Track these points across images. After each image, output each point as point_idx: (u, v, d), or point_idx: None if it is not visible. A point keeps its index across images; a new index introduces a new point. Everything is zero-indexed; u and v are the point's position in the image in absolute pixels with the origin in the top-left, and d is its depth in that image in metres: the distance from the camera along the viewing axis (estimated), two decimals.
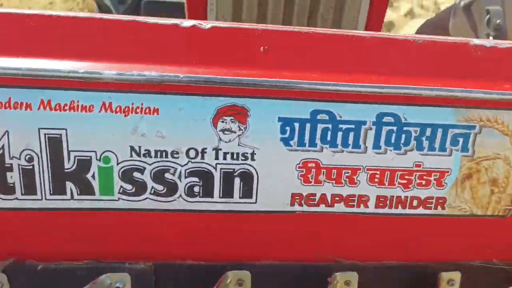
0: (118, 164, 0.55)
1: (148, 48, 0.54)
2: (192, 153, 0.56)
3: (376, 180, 0.60)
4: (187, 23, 0.54)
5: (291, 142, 0.57)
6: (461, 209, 0.63)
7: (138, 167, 0.55)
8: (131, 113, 0.53)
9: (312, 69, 0.55)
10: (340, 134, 0.57)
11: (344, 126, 0.56)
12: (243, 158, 0.57)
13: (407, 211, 0.62)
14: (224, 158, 0.56)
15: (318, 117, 0.55)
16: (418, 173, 0.60)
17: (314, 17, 1.63)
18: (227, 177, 0.57)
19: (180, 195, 0.57)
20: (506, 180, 0.61)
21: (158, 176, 0.56)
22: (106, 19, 0.54)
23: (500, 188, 0.62)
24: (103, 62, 0.51)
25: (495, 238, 0.66)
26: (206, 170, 0.56)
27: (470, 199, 0.62)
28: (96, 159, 0.54)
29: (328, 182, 0.59)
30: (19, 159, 0.53)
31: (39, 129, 0.52)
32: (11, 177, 0.54)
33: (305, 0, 1.58)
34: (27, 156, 0.53)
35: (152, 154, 0.55)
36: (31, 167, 0.53)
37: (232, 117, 0.55)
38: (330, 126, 0.56)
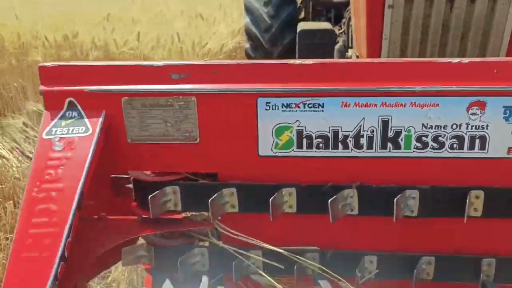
0: (415, 133, 1.07)
1: None
2: (454, 127, 1.05)
3: None
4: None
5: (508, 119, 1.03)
6: None
7: (424, 134, 1.06)
8: (425, 107, 1.04)
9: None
10: None
11: None
12: (480, 128, 1.05)
13: None
14: (470, 128, 1.05)
15: None
16: None
17: (465, 41, 2.06)
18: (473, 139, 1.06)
19: (446, 149, 1.07)
20: None
21: (438, 138, 1.06)
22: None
23: None
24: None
25: None
26: (460, 135, 1.06)
27: None
28: (404, 131, 1.07)
29: None
30: (369, 131, 1.07)
31: (379, 116, 1.06)
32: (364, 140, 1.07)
33: (459, 25, 2.02)
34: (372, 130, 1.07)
35: (433, 126, 1.06)
36: (373, 135, 1.07)
37: (477, 107, 1.03)
38: None
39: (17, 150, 3.81)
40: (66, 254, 0.92)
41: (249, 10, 4.05)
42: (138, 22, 5.40)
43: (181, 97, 1.08)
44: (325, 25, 3.58)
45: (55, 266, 0.90)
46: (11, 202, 2.71)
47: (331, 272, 1.12)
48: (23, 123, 3.89)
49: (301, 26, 3.55)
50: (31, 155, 3.67)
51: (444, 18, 1.99)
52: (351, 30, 2.86)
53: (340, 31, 3.63)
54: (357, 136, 1.07)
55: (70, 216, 0.95)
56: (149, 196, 1.08)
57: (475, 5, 1.97)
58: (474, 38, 2.01)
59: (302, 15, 4.81)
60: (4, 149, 3.77)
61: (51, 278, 0.90)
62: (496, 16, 1.98)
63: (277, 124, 1.08)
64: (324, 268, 1.13)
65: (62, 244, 0.92)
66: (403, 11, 1.99)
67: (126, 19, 5.47)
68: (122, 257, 1.20)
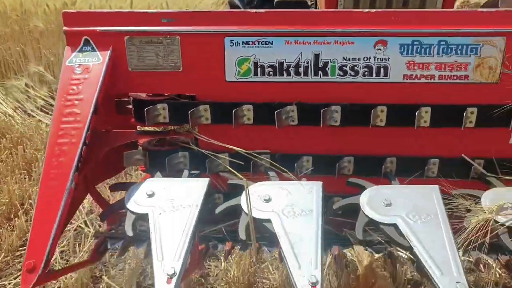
0: (338, 64, 1.46)
1: None
2: (365, 59, 1.45)
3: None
4: None
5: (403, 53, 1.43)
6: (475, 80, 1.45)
7: (344, 65, 1.46)
8: (345, 44, 1.43)
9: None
10: None
11: None
12: (384, 60, 1.45)
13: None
14: (377, 60, 1.45)
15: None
16: None
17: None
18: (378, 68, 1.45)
19: (360, 75, 1.47)
20: (495, 67, 1.42)
21: (354, 68, 1.45)
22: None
23: (494, 71, 1.43)
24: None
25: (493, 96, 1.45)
26: (370, 65, 1.45)
27: (480, 76, 1.44)
28: (330, 62, 1.46)
29: None
30: (305, 62, 1.46)
31: (312, 51, 1.45)
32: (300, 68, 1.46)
33: None
34: (307, 61, 1.46)
35: (350, 59, 1.45)
36: (308, 65, 1.46)
37: (381, 44, 1.43)
38: None
39: (19, 108, 4.14)
40: (86, 141, 1.31)
41: None
42: None
43: (168, 36, 1.46)
44: None
45: (79, 149, 1.29)
46: (21, 147, 3.06)
47: (279, 167, 1.52)
48: (25, 84, 4.20)
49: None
50: (33, 114, 4.02)
51: None
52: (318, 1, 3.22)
53: (311, 2, 3.97)
54: (297, 66, 1.46)
55: (89, 115, 1.34)
56: (145, 109, 1.47)
57: None
58: (412, 4, 2.39)
59: None
60: (8, 107, 4.10)
61: (76, 157, 1.29)
62: None
63: (239, 57, 1.47)
64: (273, 164, 1.54)
65: (84, 133, 1.31)
66: None
67: None
68: (124, 160, 1.60)
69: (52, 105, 3.87)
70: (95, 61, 1.44)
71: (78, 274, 1.96)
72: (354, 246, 1.56)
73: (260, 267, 2.12)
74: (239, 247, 1.56)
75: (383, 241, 1.45)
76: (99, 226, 2.37)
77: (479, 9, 1.63)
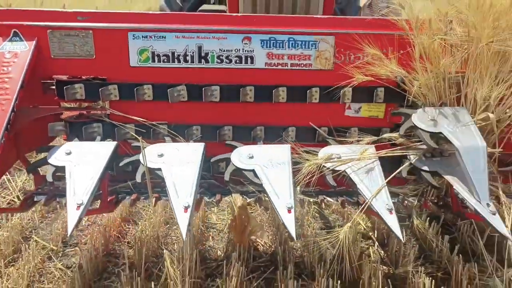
0: (216, 54, 1.90)
1: None
2: (236, 50, 1.90)
3: None
4: None
5: (263, 47, 1.91)
6: (316, 67, 1.95)
7: (220, 55, 1.91)
8: (220, 39, 1.88)
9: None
10: None
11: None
12: (250, 52, 1.91)
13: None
14: (245, 51, 1.91)
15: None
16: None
17: (294, 4, 2.92)
18: (246, 58, 1.92)
19: (233, 63, 1.92)
20: (329, 58, 1.93)
21: (228, 57, 1.90)
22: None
23: (329, 61, 1.94)
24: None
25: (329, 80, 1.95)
26: (240, 55, 1.91)
27: (319, 64, 1.94)
28: (210, 52, 1.90)
29: None
30: (191, 52, 1.89)
31: (195, 44, 1.88)
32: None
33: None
34: (193, 51, 1.89)
35: (225, 50, 1.91)
36: (193, 54, 1.89)
37: (246, 40, 1.89)
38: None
39: None
40: (15, 109, 1.66)
41: None
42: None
43: (83, 30, 1.85)
44: (220, 7, 4.38)
45: (8, 114, 1.64)
46: None
47: (173, 133, 1.94)
48: None
49: (202, 7, 4.33)
50: None
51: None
52: None
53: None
54: (184, 55, 1.89)
55: (17, 89, 1.69)
56: (65, 88, 1.84)
57: None
58: (299, 12, 2.90)
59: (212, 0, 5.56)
60: None
61: (6, 120, 1.63)
62: (312, 1, 2.89)
63: (139, 48, 1.88)
64: (170, 132, 1.95)
65: (12, 103, 1.66)
66: None
67: None
68: (49, 130, 1.95)
69: None
70: (23, 49, 1.80)
71: (9, 233, 2.26)
72: (233, 194, 2.01)
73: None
74: (143, 197, 1.96)
75: (255, 190, 1.91)
76: None
77: (318, 16, 2.15)
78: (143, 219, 2.62)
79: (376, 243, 2.41)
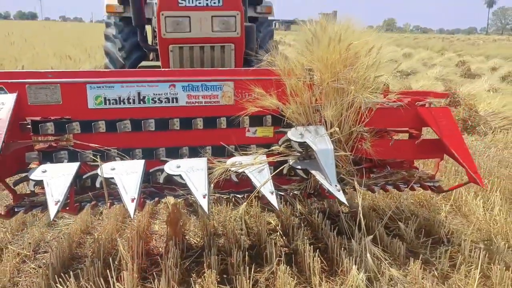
0: (151, 96, 2.65)
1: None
2: (164, 94, 2.66)
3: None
4: None
5: (184, 90, 2.67)
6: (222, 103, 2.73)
7: (154, 97, 2.65)
8: (153, 87, 2.63)
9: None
10: None
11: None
12: (175, 94, 2.67)
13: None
14: (171, 95, 2.67)
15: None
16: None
17: (212, 64, 3.77)
18: (173, 99, 2.67)
19: (163, 103, 2.67)
20: (231, 96, 2.72)
21: (159, 98, 2.65)
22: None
23: (231, 98, 2.72)
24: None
25: (232, 111, 2.74)
26: (168, 97, 2.66)
27: (224, 101, 2.73)
28: (146, 95, 2.64)
29: None
30: (132, 96, 2.62)
31: (136, 90, 2.62)
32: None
33: (208, 59, 3.73)
34: (134, 95, 2.62)
35: (157, 94, 2.65)
36: (135, 97, 2.62)
37: (172, 86, 2.65)
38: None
39: None
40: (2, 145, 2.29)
41: (108, 54, 5.38)
42: (20, 61, 6.76)
43: (52, 85, 2.53)
44: (156, 63, 5.15)
45: None
46: None
47: (123, 156, 2.62)
48: None
49: (142, 63, 5.09)
50: None
51: (199, 56, 3.70)
52: None
53: None
54: (128, 99, 2.62)
55: (5, 129, 2.31)
56: (39, 125, 2.49)
57: (214, 51, 3.71)
58: (217, 64, 3.73)
59: (151, 57, 6.33)
60: None
61: None
62: (226, 53, 3.74)
63: (95, 95, 2.58)
64: (120, 155, 2.63)
65: (1, 141, 2.28)
66: (178, 52, 3.64)
67: (10, 58, 6.78)
68: (26, 158, 2.57)
69: None
70: (8, 99, 2.44)
71: None
72: (168, 197, 2.70)
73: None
74: (100, 203, 2.60)
75: (184, 194, 2.61)
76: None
77: (221, 68, 2.97)
78: (99, 230, 3.21)
79: (280, 232, 3.15)
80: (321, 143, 2.54)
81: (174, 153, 2.73)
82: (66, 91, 2.55)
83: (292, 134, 2.61)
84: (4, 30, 23.82)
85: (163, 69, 2.70)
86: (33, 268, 2.71)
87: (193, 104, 2.71)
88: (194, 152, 2.75)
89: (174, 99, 2.68)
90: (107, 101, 2.61)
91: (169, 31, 3.59)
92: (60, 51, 8.97)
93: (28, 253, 2.86)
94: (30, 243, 2.97)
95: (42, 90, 2.53)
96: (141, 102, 2.65)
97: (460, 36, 72.03)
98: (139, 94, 2.63)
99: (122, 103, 2.62)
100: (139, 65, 4.98)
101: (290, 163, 2.64)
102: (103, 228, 3.18)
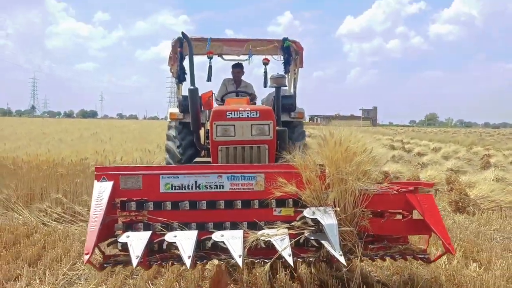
0: (204, 185, 3.45)
1: None
2: (213, 186, 3.46)
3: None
4: None
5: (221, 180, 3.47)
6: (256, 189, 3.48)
7: (208, 185, 3.45)
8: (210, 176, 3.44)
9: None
10: None
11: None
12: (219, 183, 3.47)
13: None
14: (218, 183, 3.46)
15: None
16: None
17: (252, 159, 4.61)
18: (220, 186, 3.47)
19: (213, 189, 3.45)
20: (262, 184, 3.48)
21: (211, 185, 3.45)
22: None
23: (262, 186, 3.48)
24: None
25: (263, 195, 3.48)
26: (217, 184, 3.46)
27: (257, 187, 3.48)
28: (202, 184, 3.45)
29: None
30: (191, 184, 3.44)
31: (194, 180, 3.44)
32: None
33: (248, 155, 4.59)
34: (191, 184, 3.44)
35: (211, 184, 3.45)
36: (193, 185, 3.44)
37: (219, 175, 3.45)
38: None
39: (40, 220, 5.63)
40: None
41: (168, 151, 6.27)
42: (118, 153, 8.64)
43: (137, 176, 3.41)
44: (207, 159, 6.09)
45: (102, 219, 3.09)
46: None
47: (182, 227, 3.37)
48: (46, 206, 5.79)
49: (196, 159, 6.07)
50: (49, 223, 5.51)
51: (241, 154, 4.57)
52: None
53: None
54: (188, 185, 3.44)
55: (105, 206, 3.16)
56: (126, 204, 3.33)
57: (252, 150, 4.58)
58: (254, 160, 4.57)
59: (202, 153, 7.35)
60: (31, 220, 5.60)
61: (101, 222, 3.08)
62: (261, 152, 4.59)
63: (166, 183, 3.43)
64: (180, 227, 3.38)
65: (102, 217, 3.12)
66: (225, 151, 4.54)
67: (107, 152, 8.78)
68: (114, 227, 3.38)
69: (62, 217, 5.47)
70: (107, 186, 3.32)
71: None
72: (213, 259, 3.37)
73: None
74: (163, 263, 3.31)
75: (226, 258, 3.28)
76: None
77: (255, 164, 3.77)
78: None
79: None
80: (328, 219, 3.19)
81: (220, 227, 3.45)
82: (145, 180, 3.42)
83: (307, 213, 3.28)
84: (82, 128, 26.83)
85: (213, 164, 3.54)
86: None
87: (234, 190, 3.48)
88: (235, 226, 3.46)
89: (221, 186, 3.48)
90: (173, 187, 3.44)
91: (219, 136, 4.53)
92: (140, 146, 11.53)
93: None
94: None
95: (130, 179, 3.41)
96: (197, 188, 3.45)
97: (501, 131, 71.42)
98: (196, 182, 3.45)
99: (183, 188, 3.44)
100: (194, 160, 5.95)
101: (306, 234, 3.28)
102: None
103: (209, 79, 6.50)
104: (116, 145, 13.31)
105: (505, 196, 6.99)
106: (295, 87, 6.48)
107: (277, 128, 5.09)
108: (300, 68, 6.45)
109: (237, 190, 3.49)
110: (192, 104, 4.90)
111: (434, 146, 21.20)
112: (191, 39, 6.06)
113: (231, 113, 4.57)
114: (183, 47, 5.89)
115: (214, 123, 4.55)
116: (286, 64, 6.35)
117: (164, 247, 3.16)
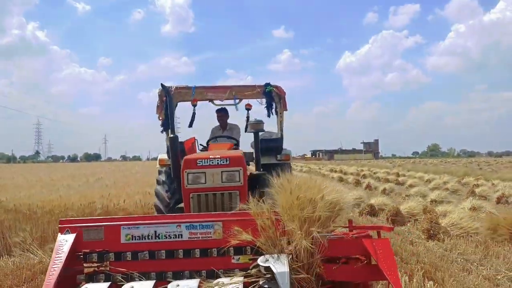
0: (173, 234, 3.41)
1: None
2: (175, 236, 3.41)
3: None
4: None
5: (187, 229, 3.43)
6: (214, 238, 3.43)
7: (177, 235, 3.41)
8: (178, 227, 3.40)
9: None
10: None
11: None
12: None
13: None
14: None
15: None
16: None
17: (223, 207, 4.57)
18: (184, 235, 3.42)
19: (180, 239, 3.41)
20: (220, 232, 3.42)
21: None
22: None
23: (220, 234, 3.42)
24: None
25: (219, 244, 3.42)
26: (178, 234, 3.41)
27: (215, 236, 3.43)
28: (168, 235, 3.41)
29: None
30: (152, 234, 3.39)
31: (154, 230, 3.40)
32: None
33: (219, 203, 4.55)
34: (152, 235, 3.40)
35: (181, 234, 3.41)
36: (154, 234, 3.40)
37: (178, 226, 3.41)
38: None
39: None
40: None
41: (157, 195, 6.19)
42: (121, 197, 8.84)
43: (99, 227, 3.39)
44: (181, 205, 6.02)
45: (59, 271, 3.05)
46: None
47: (141, 277, 3.30)
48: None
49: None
50: None
51: (212, 201, 4.53)
52: None
53: None
54: (148, 235, 3.40)
55: (64, 258, 3.12)
56: (87, 255, 3.29)
57: (224, 196, 4.55)
58: (226, 205, 4.52)
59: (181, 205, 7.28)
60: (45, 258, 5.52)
61: (58, 274, 3.04)
62: (233, 198, 4.55)
63: (127, 234, 3.40)
64: (140, 277, 3.32)
65: (61, 268, 3.08)
66: (197, 198, 4.51)
67: (111, 196, 9.08)
68: (77, 279, 3.32)
69: None
70: (70, 238, 3.29)
71: None
72: None
73: None
74: None
75: None
76: None
77: (212, 213, 3.73)
78: None
79: None
80: (280, 267, 3.11)
81: (179, 276, 3.38)
82: (107, 231, 3.39)
83: (260, 260, 3.21)
84: (87, 174, 27.24)
85: (171, 214, 3.51)
86: None
87: (193, 239, 3.43)
88: (192, 274, 3.38)
89: (180, 235, 3.43)
90: (133, 237, 3.40)
91: (190, 183, 4.51)
92: (141, 190, 11.87)
93: None
94: None
95: (93, 231, 3.38)
96: (157, 238, 3.41)
97: (502, 159, 70.84)
98: (155, 232, 3.42)
99: (143, 238, 3.40)
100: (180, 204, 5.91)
101: (260, 283, 3.19)
102: None
103: (190, 125, 6.58)
104: (120, 189, 13.59)
105: (472, 223, 7.24)
106: (281, 130, 6.49)
107: (256, 172, 5.07)
108: (285, 111, 6.47)
109: (195, 239, 3.44)
110: (172, 152, 4.91)
111: (428, 178, 20.92)
112: (176, 87, 6.15)
113: (202, 161, 4.57)
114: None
115: (185, 171, 4.55)
116: (269, 107, 6.40)
117: None
